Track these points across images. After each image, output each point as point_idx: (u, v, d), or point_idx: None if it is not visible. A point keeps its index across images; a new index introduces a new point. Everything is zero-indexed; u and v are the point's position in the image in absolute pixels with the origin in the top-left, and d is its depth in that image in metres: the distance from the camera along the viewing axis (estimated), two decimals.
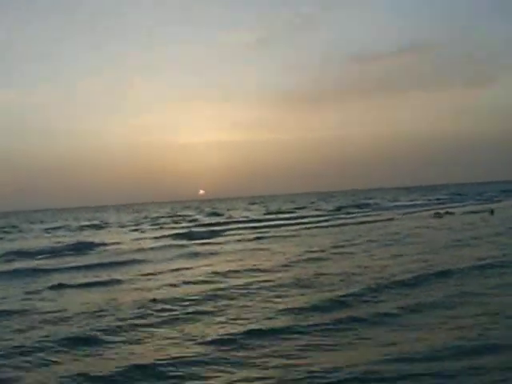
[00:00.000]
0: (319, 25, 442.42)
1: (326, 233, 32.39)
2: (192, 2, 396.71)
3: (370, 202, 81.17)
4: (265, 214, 62.41)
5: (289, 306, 11.30)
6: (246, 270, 17.28)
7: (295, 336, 9.10)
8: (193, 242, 31.10)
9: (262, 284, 14.37)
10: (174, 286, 15.17)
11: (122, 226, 54.14)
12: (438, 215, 42.77)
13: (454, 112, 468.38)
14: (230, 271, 17.30)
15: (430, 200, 77.47)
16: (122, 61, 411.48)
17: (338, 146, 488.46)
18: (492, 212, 41.31)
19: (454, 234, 26.05)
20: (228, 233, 37.71)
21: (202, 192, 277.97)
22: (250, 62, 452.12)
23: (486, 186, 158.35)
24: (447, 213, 44.56)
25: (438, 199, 78.86)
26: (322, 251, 21.54)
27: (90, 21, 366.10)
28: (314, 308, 11.03)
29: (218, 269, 17.97)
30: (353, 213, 57.02)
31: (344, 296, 11.94)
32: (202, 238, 33.18)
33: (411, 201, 77.62)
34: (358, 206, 70.28)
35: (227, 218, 57.65)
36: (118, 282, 16.77)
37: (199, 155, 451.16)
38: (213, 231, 39.12)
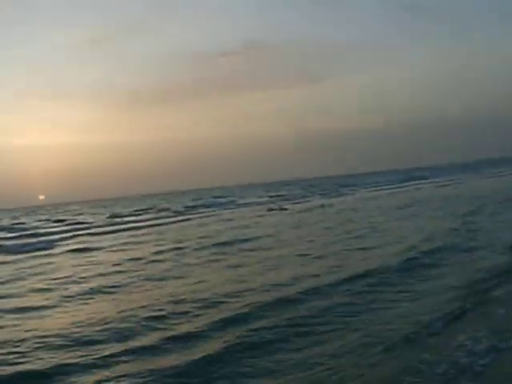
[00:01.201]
0: (153, 25, 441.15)
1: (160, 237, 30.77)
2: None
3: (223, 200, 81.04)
4: (107, 218, 58.93)
5: None
6: None
7: None
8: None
9: None
10: None
11: None
12: (271, 210, 43.94)
13: (287, 110, 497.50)
14: None
15: (272, 197, 79.59)
16: None
17: (177, 147, 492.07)
18: (322, 206, 43.24)
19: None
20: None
21: (41, 197, 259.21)
22: (88, 61, 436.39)
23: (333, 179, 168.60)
24: (281, 208, 45.71)
25: (282, 195, 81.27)
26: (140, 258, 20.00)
27: None
28: None
29: None
30: (196, 213, 56.16)
31: None
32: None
33: (260, 197, 79.56)
34: (206, 206, 69.67)
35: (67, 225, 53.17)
36: None
37: (36, 158, 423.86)
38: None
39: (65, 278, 17.21)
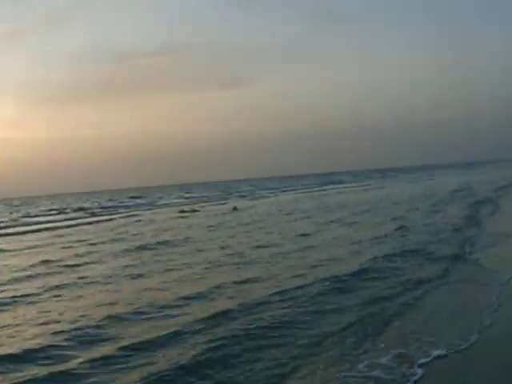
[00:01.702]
0: (76, 20, 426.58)
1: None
2: None
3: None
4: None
5: None
6: None
7: None
8: None
9: None
10: None
11: None
12: (182, 212, 43.73)
13: (209, 112, 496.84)
14: None
15: (188, 198, 79.15)
16: None
17: (94, 146, 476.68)
18: (235, 208, 43.35)
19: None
20: None
21: None
22: (7, 53, 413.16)
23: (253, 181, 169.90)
24: (193, 210, 45.54)
25: (203, 196, 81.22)
26: None
27: None
28: None
29: None
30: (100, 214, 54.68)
31: None
32: None
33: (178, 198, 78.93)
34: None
35: None
36: None
37: None
38: None
39: None
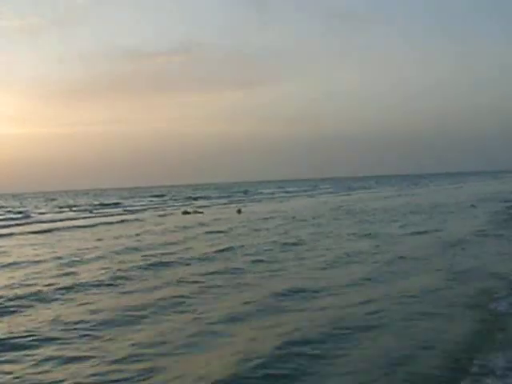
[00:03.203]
0: (93, 18, 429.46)
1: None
2: None
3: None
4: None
5: None
6: None
7: None
8: None
9: None
10: None
11: None
12: (186, 213, 41.58)
13: (225, 112, 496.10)
14: None
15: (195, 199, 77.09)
16: None
17: (110, 142, 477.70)
18: (239, 211, 40.86)
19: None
20: None
21: None
22: (17, 50, 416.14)
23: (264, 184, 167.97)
24: (196, 212, 43.23)
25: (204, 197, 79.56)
26: None
27: None
28: None
29: None
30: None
31: None
32: None
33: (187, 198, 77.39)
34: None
35: None
36: None
37: None
38: None
39: None
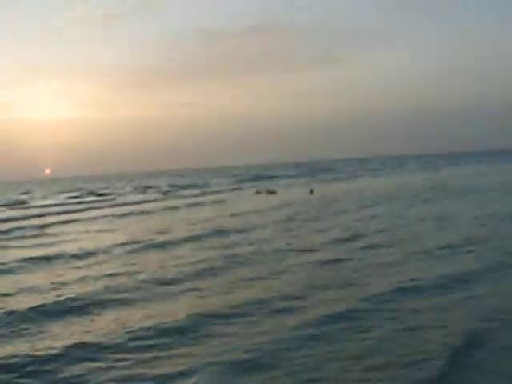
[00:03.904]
0: (169, 4, 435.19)
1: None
2: None
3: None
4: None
5: None
6: None
7: None
8: None
9: None
10: None
11: None
12: (258, 193, 43.90)
13: (303, 92, 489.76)
14: None
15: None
16: None
17: (185, 125, 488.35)
18: (311, 191, 42.32)
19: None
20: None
21: (47, 171, 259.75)
22: (98, 37, 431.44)
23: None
24: (270, 192, 45.22)
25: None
26: None
27: None
28: None
29: None
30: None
31: None
32: None
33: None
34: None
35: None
36: None
37: (45, 132, 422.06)
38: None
39: None
